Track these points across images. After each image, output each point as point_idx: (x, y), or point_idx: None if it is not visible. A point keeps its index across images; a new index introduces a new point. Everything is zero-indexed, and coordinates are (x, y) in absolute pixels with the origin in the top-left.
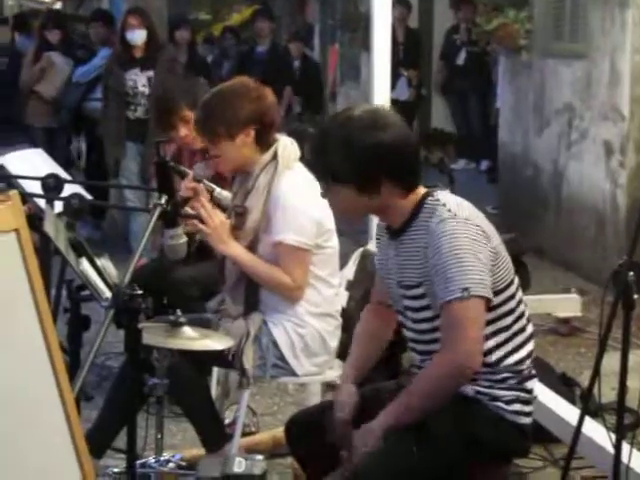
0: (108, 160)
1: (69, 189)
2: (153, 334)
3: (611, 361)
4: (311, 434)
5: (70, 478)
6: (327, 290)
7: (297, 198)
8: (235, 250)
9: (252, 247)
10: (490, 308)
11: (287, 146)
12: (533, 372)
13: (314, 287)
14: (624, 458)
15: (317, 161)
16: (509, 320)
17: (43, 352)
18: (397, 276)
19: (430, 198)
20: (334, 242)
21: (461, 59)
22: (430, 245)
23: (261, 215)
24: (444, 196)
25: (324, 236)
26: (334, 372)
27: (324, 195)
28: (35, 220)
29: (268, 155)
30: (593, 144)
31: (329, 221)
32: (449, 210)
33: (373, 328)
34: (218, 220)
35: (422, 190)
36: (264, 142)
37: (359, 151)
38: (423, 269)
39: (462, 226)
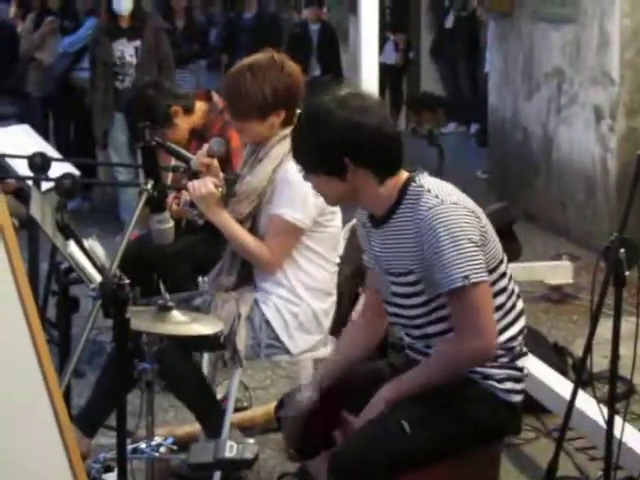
0: (96, 131)
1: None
2: (141, 319)
3: (603, 329)
4: (302, 415)
5: None
6: (327, 267)
7: None
8: (221, 217)
9: (255, 217)
10: None
11: None
12: (524, 349)
13: (313, 262)
14: (616, 432)
15: (294, 143)
16: (502, 298)
17: (31, 354)
18: (384, 264)
19: (413, 184)
20: (337, 222)
21: (449, 23)
22: (423, 233)
23: (267, 183)
24: (426, 181)
25: (327, 216)
26: (327, 349)
27: (305, 178)
28: (23, 193)
29: (287, 129)
30: (583, 109)
31: None
32: (436, 196)
33: (367, 322)
34: (205, 190)
35: (404, 175)
36: (290, 121)
37: (324, 130)
38: (414, 256)
39: (453, 211)
